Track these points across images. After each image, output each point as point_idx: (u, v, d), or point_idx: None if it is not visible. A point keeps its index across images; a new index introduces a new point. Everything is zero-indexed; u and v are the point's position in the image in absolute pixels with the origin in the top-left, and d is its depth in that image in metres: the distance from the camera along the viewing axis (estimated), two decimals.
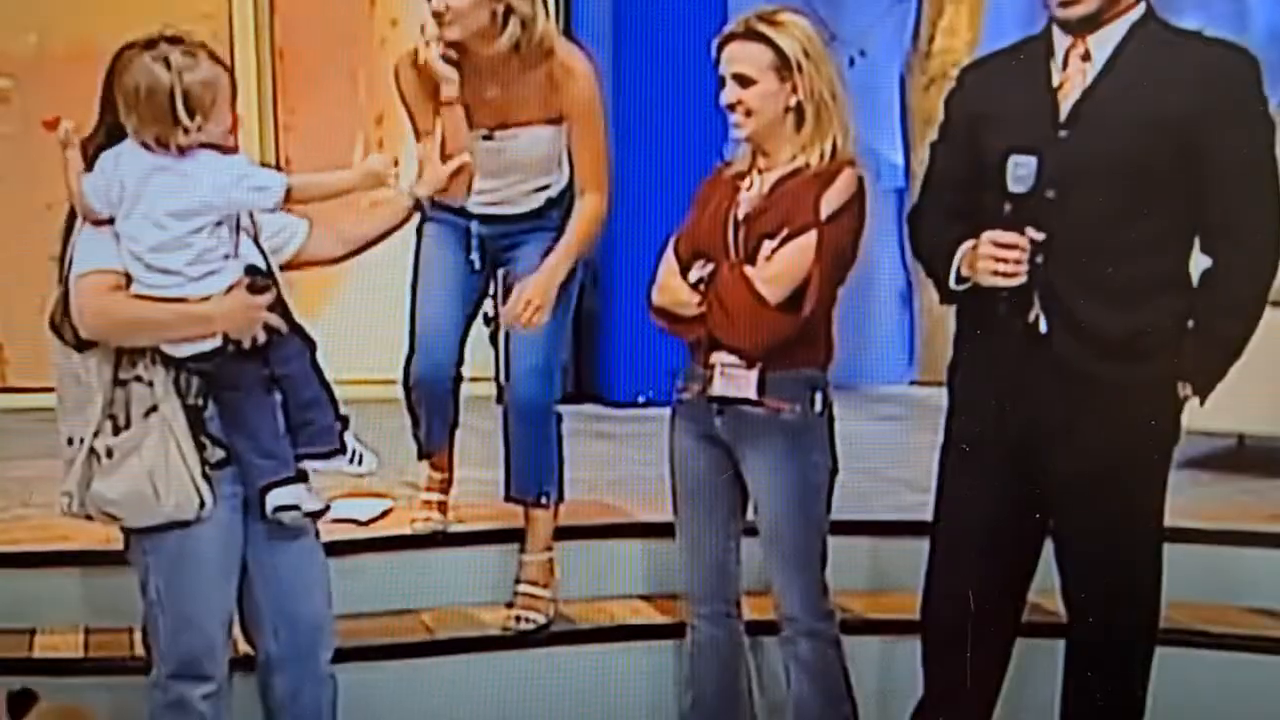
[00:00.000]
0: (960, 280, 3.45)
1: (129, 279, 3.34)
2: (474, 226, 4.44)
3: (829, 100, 3.69)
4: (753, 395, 3.71)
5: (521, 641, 4.32)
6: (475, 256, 4.48)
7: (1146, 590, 3.55)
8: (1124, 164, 3.33)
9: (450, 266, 4.49)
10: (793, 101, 3.69)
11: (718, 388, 3.75)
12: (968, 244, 3.41)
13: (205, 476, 3.35)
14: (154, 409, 3.33)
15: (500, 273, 4.57)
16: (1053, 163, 3.32)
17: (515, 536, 4.51)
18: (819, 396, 3.76)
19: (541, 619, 4.38)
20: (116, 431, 3.34)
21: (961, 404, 3.61)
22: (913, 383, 7.66)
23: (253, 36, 6.99)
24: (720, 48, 3.72)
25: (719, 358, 3.74)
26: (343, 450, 3.49)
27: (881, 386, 7.31)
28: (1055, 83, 3.41)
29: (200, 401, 3.38)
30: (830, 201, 3.65)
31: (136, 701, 3.54)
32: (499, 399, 6.99)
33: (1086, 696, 3.57)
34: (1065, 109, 3.38)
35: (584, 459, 5.62)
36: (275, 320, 3.40)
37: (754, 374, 3.70)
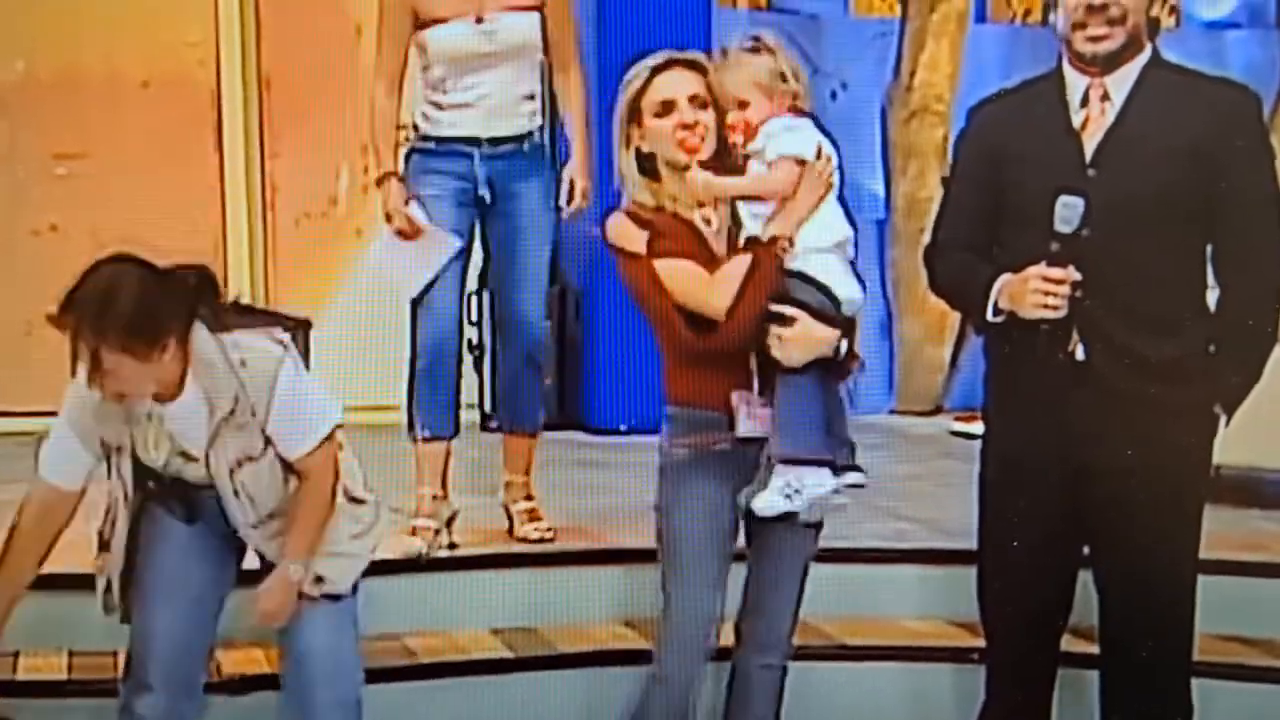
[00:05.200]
0: (997, 312, 3.54)
1: None
2: (477, 160, 4.71)
3: None
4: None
5: (504, 666, 4.34)
6: (485, 191, 4.74)
7: (1186, 616, 3.62)
8: (1150, 200, 3.46)
9: (451, 224, 4.75)
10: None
11: (744, 429, 3.57)
12: (1007, 277, 3.50)
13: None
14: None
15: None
16: (1085, 201, 3.44)
17: (501, 562, 4.55)
18: None
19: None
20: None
21: (1000, 434, 3.68)
22: (892, 411, 7.71)
23: (239, 64, 7.03)
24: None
25: (743, 396, 3.57)
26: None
27: (861, 416, 7.34)
28: (1076, 123, 3.53)
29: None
30: None
31: None
32: (483, 425, 7.07)
33: None
34: (1090, 149, 3.50)
35: (566, 486, 5.66)
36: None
37: (770, 411, 3.55)
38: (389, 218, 4.68)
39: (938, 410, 7.63)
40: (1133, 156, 3.47)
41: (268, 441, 3.49)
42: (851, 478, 3.55)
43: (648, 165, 3.64)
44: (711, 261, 3.55)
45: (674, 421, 3.65)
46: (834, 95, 7.58)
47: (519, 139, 4.76)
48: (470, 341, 7.08)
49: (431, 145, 4.74)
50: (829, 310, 3.53)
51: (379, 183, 4.74)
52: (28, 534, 3.53)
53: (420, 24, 4.65)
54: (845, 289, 3.53)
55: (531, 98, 4.76)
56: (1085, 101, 3.53)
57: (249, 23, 7.06)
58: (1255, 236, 3.52)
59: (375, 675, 4.16)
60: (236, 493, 3.52)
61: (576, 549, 4.77)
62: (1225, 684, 4.26)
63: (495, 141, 4.73)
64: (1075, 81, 3.54)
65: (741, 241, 3.57)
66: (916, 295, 7.15)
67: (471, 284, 7.06)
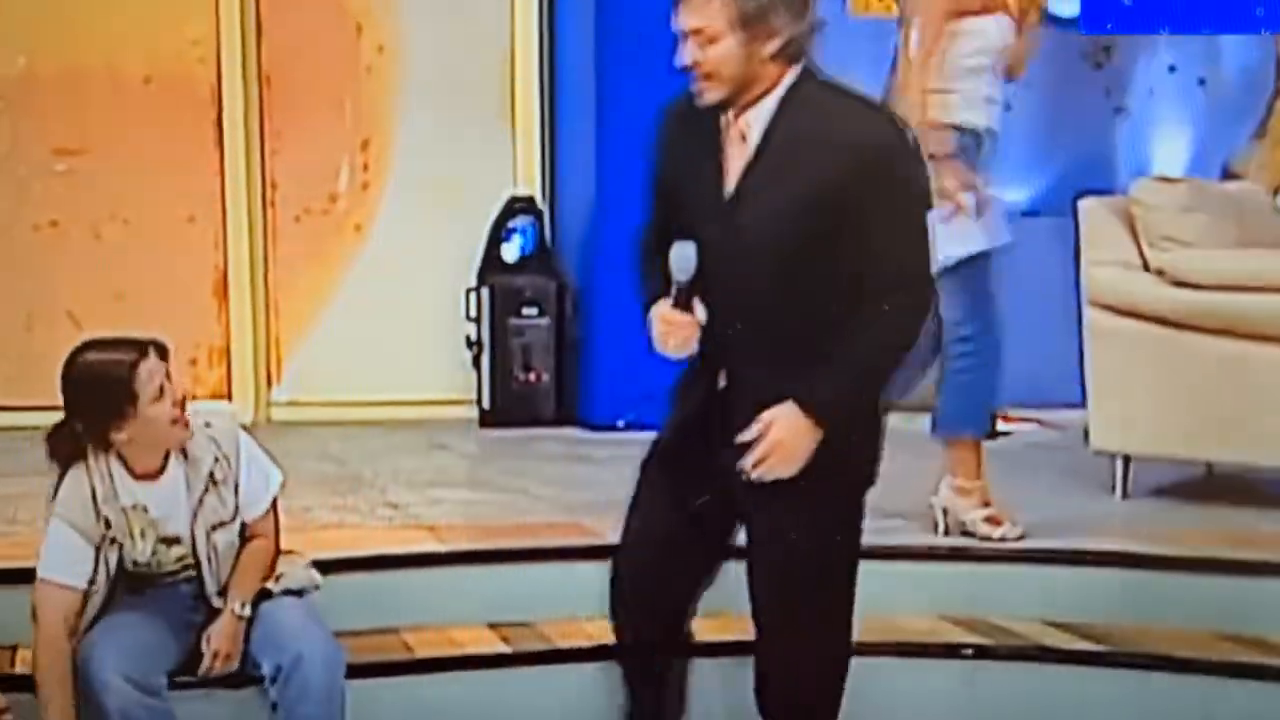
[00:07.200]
0: None
1: None
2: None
3: None
4: None
5: (499, 661, 4.35)
6: None
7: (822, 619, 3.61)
8: (776, 240, 3.35)
9: None
10: None
11: None
12: (655, 309, 3.46)
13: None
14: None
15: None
16: (717, 242, 3.38)
17: (496, 557, 4.56)
18: None
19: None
20: None
21: (666, 439, 3.66)
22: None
23: (240, 62, 7.04)
24: None
25: None
26: None
27: None
28: (723, 162, 3.43)
29: None
30: None
31: None
32: (481, 422, 7.08)
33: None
34: (728, 190, 3.41)
35: (562, 481, 5.68)
36: None
37: None
38: (952, 195, 4.60)
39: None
40: (760, 197, 3.36)
41: (237, 506, 3.86)
42: None
43: None
44: None
45: None
46: None
47: None
48: (469, 338, 7.09)
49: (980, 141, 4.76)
50: None
51: (933, 160, 4.47)
52: (60, 639, 3.75)
53: (956, 13, 4.66)
54: None
55: None
56: (731, 141, 3.43)
57: (249, 20, 7.07)
58: (884, 268, 3.36)
59: (372, 670, 4.19)
60: (209, 559, 3.83)
61: (573, 544, 4.79)
62: (1222, 682, 4.28)
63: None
64: (728, 118, 3.43)
65: None
66: None
67: (470, 281, 7.12)
